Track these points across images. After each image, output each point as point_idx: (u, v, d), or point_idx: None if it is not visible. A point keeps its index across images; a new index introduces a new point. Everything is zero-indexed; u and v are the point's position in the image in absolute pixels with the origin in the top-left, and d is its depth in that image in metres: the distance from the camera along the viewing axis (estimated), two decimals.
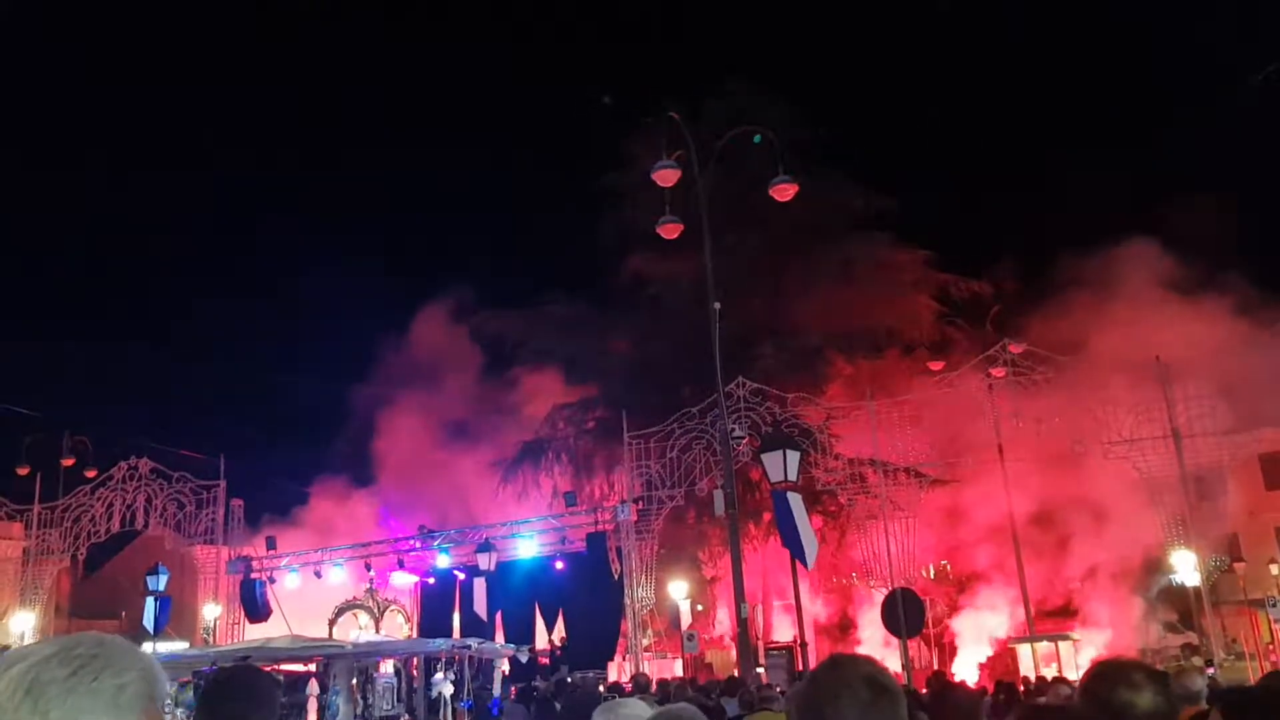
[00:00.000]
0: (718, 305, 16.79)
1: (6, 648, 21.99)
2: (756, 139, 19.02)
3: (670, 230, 18.29)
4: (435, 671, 18.86)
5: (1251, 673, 21.52)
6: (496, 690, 19.49)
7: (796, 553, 12.94)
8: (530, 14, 62.94)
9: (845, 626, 30.63)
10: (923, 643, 27.69)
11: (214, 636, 28.92)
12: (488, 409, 34.49)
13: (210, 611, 29.65)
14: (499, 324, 36.04)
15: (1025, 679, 20.30)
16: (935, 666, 26.27)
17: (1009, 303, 31.24)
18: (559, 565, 26.52)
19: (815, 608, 29.61)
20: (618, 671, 24.91)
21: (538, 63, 62.04)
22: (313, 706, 17.44)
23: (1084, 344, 23.90)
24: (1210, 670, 17.45)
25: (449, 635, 25.47)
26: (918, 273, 32.70)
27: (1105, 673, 2.85)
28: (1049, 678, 18.21)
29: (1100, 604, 27.29)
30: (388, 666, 19.38)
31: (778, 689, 14.61)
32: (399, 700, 18.97)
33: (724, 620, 31.76)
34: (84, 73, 59.53)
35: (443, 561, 27.77)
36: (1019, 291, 31.98)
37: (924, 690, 13.95)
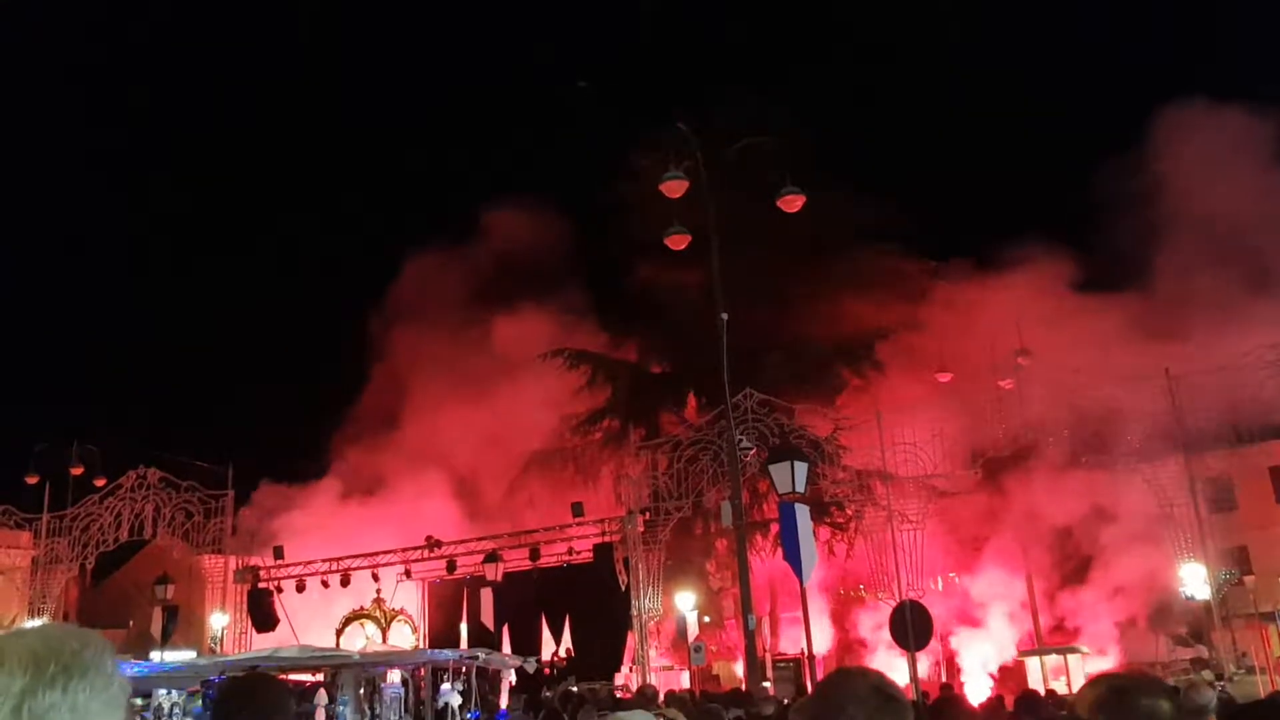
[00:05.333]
0: (725, 316, 16.79)
1: None
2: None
3: (677, 241, 18.32)
4: (442, 682, 18.86)
5: (1262, 687, 21.38)
6: (504, 701, 19.49)
7: (795, 567, 12.92)
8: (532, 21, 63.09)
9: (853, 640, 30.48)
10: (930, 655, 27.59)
11: (222, 646, 28.96)
12: (492, 419, 34.43)
13: (218, 621, 29.70)
14: (507, 333, 36.05)
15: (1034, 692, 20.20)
16: (944, 679, 26.17)
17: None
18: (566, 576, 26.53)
19: (825, 619, 29.49)
20: (624, 682, 24.87)
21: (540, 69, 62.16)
22: (321, 716, 17.45)
23: (1092, 355, 23.85)
24: (1221, 684, 17.37)
25: (456, 646, 25.48)
26: (925, 283, 32.69)
27: (1124, 686, 2.81)
28: (1058, 691, 18.18)
29: (1109, 617, 27.18)
30: (395, 676, 19.40)
31: (785, 701, 14.59)
32: (406, 711, 19.00)
33: (732, 632, 31.66)
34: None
35: (450, 572, 27.77)
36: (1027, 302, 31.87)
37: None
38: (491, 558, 26.28)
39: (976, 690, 25.86)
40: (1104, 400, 22.38)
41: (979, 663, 27.83)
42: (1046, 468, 24.09)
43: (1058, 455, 23.49)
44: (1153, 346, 23.34)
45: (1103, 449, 22.50)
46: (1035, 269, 28.89)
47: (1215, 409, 21.50)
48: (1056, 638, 28.81)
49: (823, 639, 27.84)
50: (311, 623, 28.25)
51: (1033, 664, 26.97)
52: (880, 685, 2.34)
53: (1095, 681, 2.93)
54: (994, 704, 15.49)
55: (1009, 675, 27.31)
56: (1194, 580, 21.67)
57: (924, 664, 24.82)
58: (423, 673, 19.64)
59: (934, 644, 22.11)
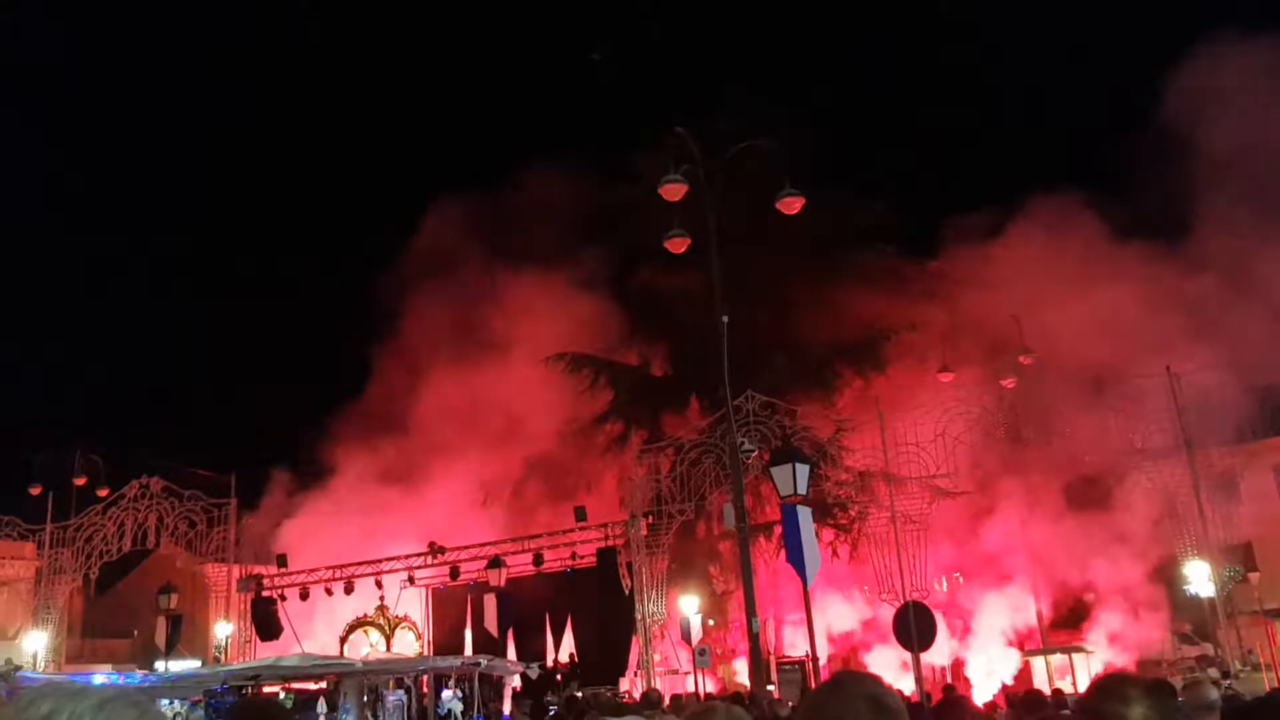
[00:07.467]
0: (726, 318, 16.75)
1: (19, 668, 22.02)
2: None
3: (677, 244, 18.27)
4: (445, 689, 18.83)
5: (1268, 683, 21.34)
6: (507, 707, 19.45)
7: (798, 568, 12.90)
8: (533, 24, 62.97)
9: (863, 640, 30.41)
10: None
11: (225, 655, 28.92)
12: (495, 424, 34.40)
13: (222, 630, 29.67)
14: (507, 333, 35.98)
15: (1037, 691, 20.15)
16: (948, 679, 26.13)
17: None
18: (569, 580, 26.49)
19: (827, 620, 29.44)
20: (629, 687, 24.84)
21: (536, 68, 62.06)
22: None
23: (1094, 354, 23.80)
24: (1227, 681, 17.31)
25: (460, 652, 25.45)
26: (926, 283, 32.63)
27: (1101, 687, 2.81)
28: (1064, 690, 18.12)
29: (1114, 615, 27.12)
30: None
31: (789, 704, 14.56)
32: (409, 718, 18.95)
33: (737, 635, 31.56)
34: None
35: (453, 578, 27.73)
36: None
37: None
38: (495, 563, 26.23)
39: (988, 685, 25.86)
40: (1108, 396, 22.35)
41: (984, 663, 27.79)
42: (1049, 466, 24.05)
43: (1060, 453, 23.44)
44: (1157, 336, 23.28)
45: (1106, 446, 22.45)
46: (1036, 253, 28.63)
47: (1220, 404, 21.45)
48: (1061, 636, 28.74)
49: (845, 621, 27.87)
50: (316, 630, 28.23)
51: (1038, 663, 26.90)
52: (875, 695, 2.29)
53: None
54: (996, 705, 15.48)
55: (1014, 674, 27.27)
56: (1198, 577, 21.60)
57: (938, 657, 24.82)
58: (425, 680, 19.60)
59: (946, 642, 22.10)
